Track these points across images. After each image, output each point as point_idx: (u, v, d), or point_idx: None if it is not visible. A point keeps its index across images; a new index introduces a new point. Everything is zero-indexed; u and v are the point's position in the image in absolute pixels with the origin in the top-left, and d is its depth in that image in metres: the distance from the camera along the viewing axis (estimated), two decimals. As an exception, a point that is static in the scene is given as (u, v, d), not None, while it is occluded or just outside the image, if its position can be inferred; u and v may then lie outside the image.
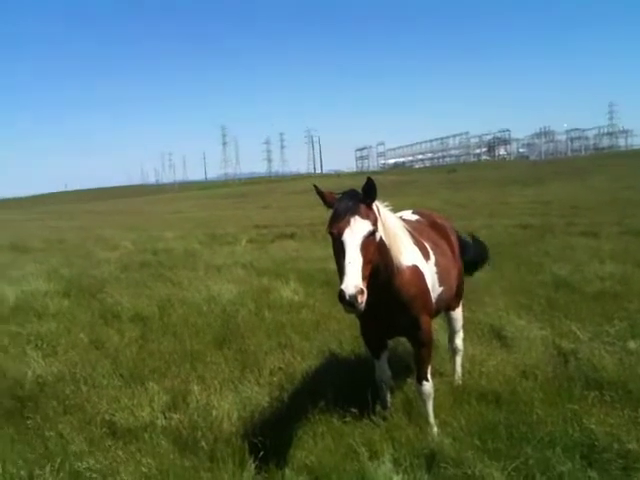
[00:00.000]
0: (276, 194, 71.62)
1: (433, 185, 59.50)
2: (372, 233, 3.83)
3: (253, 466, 4.15)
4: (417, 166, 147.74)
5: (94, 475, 4.08)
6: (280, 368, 6.26)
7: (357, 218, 3.80)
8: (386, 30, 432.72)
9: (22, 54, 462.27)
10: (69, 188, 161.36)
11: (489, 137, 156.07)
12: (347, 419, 4.66)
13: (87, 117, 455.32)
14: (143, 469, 4.08)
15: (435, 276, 4.84)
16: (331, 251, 3.96)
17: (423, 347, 4.63)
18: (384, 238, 4.13)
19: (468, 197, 36.99)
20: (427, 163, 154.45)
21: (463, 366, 5.84)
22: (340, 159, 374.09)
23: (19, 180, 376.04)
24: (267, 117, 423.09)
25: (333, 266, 11.96)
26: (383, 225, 4.13)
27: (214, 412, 4.98)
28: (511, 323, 7.12)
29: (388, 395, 5.04)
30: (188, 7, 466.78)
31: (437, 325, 6.67)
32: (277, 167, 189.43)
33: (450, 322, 5.84)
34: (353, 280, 3.56)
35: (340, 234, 3.78)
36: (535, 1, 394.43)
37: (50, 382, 6.04)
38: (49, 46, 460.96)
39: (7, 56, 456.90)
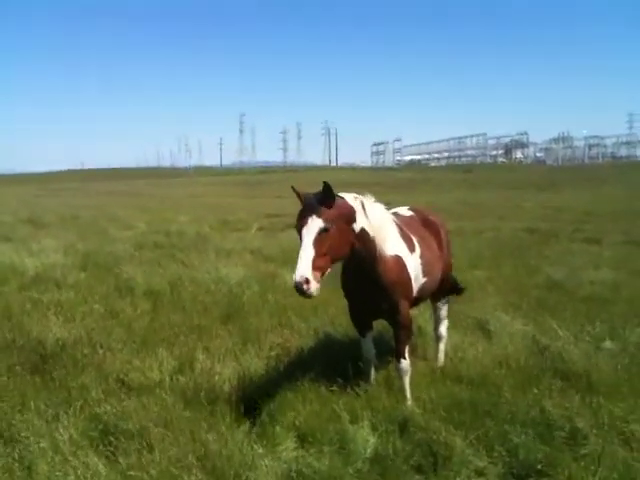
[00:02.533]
0: (290, 184, 72.03)
1: (447, 184, 59.79)
2: (325, 230, 4.43)
3: (248, 422, 4.74)
4: (433, 164, 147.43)
5: (110, 418, 4.67)
6: (278, 344, 6.83)
7: (314, 217, 4.45)
8: (407, 24, 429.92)
9: (38, 31, 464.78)
10: (85, 166, 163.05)
11: (507, 139, 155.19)
12: (333, 389, 5.25)
13: (105, 97, 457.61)
14: (152, 415, 4.69)
15: (419, 267, 5.39)
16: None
17: (401, 329, 5.23)
18: (367, 229, 4.78)
19: (481, 198, 37.37)
20: (443, 162, 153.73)
21: (446, 353, 6.40)
22: (356, 153, 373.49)
23: (36, 156, 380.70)
24: (285, 107, 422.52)
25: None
26: (367, 218, 4.79)
27: (216, 377, 5.55)
28: (497, 318, 7.61)
29: (372, 371, 5.63)
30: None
31: (425, 314, 7.23)
32: (292, 157, 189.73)
33: (435, 311, 6.43)
34: (300, 270, 4.25)
35: (299, 230, 4.51)
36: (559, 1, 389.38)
37: (69, 344, 6.63)
38: (67, 22, 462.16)
39: (25, 31, 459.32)
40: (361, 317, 5.46)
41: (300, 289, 4.22)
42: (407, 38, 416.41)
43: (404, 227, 5.40)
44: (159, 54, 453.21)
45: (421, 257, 5.43)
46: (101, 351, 6.45)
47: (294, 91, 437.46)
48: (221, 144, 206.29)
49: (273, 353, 6.52)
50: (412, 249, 5.32)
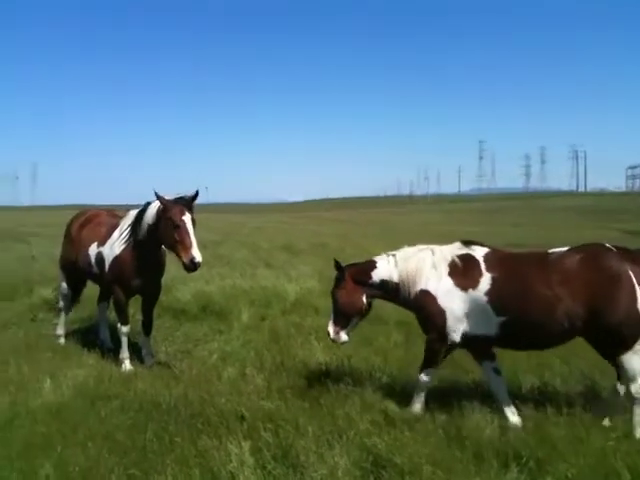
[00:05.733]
0: (532, 211, 69.12)
1: None
2: (335, 298, 6.35)
3: (516, 470, 4.51)
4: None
5: (382, 451, 4.74)
6: (538, 387, 6.50)
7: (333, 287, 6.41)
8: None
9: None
10: (330, 196, 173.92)
11: None
12: (610, 442, 4.80)
13: (346, 129, 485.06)
14: (423, 451, 4.67)
15: (486, 305, 5.59)
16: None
17: (425, 350, 6.02)
18: (389, 278, 6.15)
19: None
20: None
21: None
22: (608, 177, 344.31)
23: (286, 187, 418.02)
24: (528, 131, 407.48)
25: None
26: (396, 268, 6.12)
27: (476, 417, 5.40)
28: None
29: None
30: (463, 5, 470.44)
31: None
32: (535, 183, 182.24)
33: (618, 368, 5.59)
34: (327, 326, 6.34)
35: None
36: None
37: (332, 369, 7.01)
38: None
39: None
40: None
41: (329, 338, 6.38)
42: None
43: (479, 264, 5.75)
44: (397, 86, 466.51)
45: (488, 294, 5.58)
46: (362, 379, 6.67)
47: (538, 114, 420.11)
48: (459, 171, 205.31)
49: (532, 396, 6.20)
50: (469, 286, 5.68)
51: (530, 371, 6.94)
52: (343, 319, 6.26)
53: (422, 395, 5.93)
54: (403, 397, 6.09)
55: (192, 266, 7.00)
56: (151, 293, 8.29)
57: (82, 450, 5.08)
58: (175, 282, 11.65)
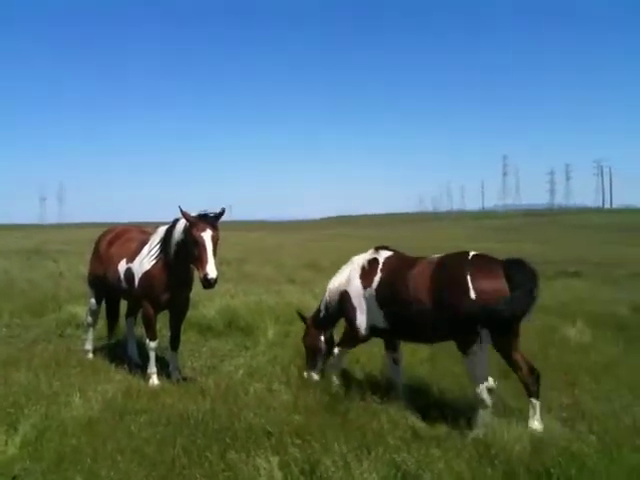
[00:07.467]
0: (556, 227, 68.38)
1: None
2: (303, 343, 7.83)
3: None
4: None
5: (410, 467, 4.67)
6: (568, 405, 6.43)
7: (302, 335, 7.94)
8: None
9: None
10: (352, 213, 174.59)
11: None
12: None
13: (365, 145, 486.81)
14: (454, 468, 4.62)
15: (374, 299, 6.61)
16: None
17: (343, 334, 7.28)
18: (326, 300, 7.44)
19: None
20: None
21: None
22: (634, 192, 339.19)
23: (307, 204, 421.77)
24: (552, 147, 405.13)
25: (624, 311, 11.58)
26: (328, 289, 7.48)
27: (505, 435, 5.33)
28: None
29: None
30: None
31: None
32: (560, 199, 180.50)
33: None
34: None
35: None
36: None
37: (358, 385, 6.93)
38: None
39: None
40: None
41: None
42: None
43: (378, 265, 6.80)
44: (417, 101, 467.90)
45: (376, 290, 6.59)
46: (390, 396, 6.60)
47: (562, 131, 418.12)
48: (483, 187, 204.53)
49: (564, 414, 6.14)
50: (368, 284, 6.73)
51: (559, 389, 6.88)
52: (312, 360, 7.41)
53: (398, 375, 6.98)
54: (430, 413, 6.07)
55: (206, 283, 6.96)
56: (180, 309, 8.35)
57: (112, 463, 5.11)
58: (201, 298, 11.72)
